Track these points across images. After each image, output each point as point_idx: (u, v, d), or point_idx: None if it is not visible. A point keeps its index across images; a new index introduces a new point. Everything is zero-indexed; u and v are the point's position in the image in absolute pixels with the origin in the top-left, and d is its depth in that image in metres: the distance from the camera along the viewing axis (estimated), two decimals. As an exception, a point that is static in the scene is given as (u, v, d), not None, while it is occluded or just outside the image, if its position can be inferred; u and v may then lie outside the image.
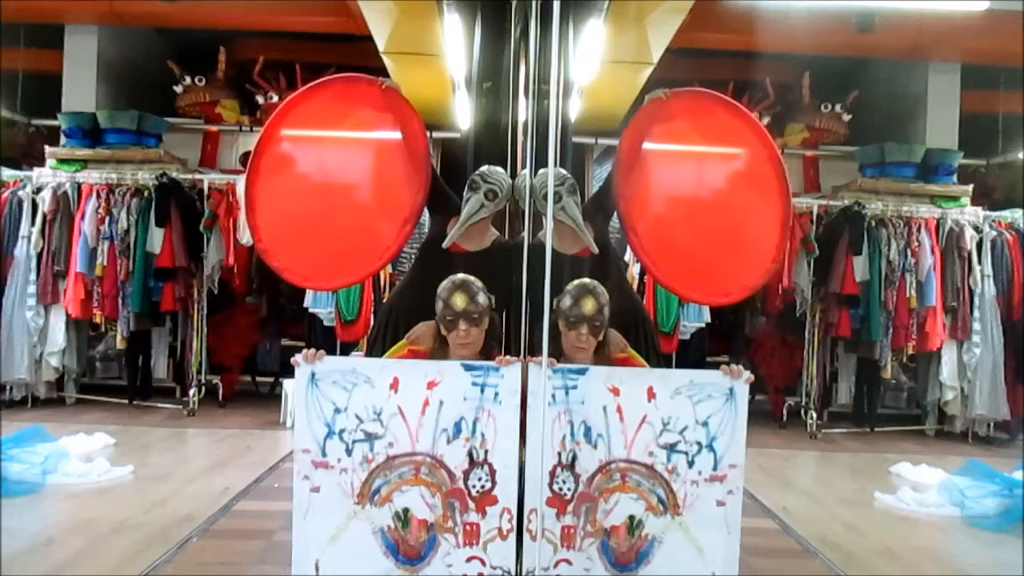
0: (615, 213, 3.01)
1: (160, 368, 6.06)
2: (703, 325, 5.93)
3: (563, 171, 2.87)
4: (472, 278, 2.53)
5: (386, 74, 5.49)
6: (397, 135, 2.99)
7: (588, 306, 2.49)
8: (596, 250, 2.84)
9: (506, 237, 3.19)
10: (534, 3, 2.75)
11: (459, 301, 2.46)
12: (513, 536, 2.27)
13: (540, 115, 2.77)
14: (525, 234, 2.79)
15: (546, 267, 2.31)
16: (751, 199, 3.04)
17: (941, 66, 6.77)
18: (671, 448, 2.30)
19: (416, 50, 5.20)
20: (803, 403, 5.86)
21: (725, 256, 3.02)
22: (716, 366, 6.86)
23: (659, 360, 3.01)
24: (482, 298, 2.50)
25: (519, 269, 2.64)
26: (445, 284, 2.53)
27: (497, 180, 2.91)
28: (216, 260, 5.60)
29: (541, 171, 2.80)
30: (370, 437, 2.26)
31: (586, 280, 2.57)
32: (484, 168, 2.95)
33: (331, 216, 3.00)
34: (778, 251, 3.00)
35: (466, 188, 2.91)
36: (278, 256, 2.96)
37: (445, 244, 2.88)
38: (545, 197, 2.76)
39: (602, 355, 2.57)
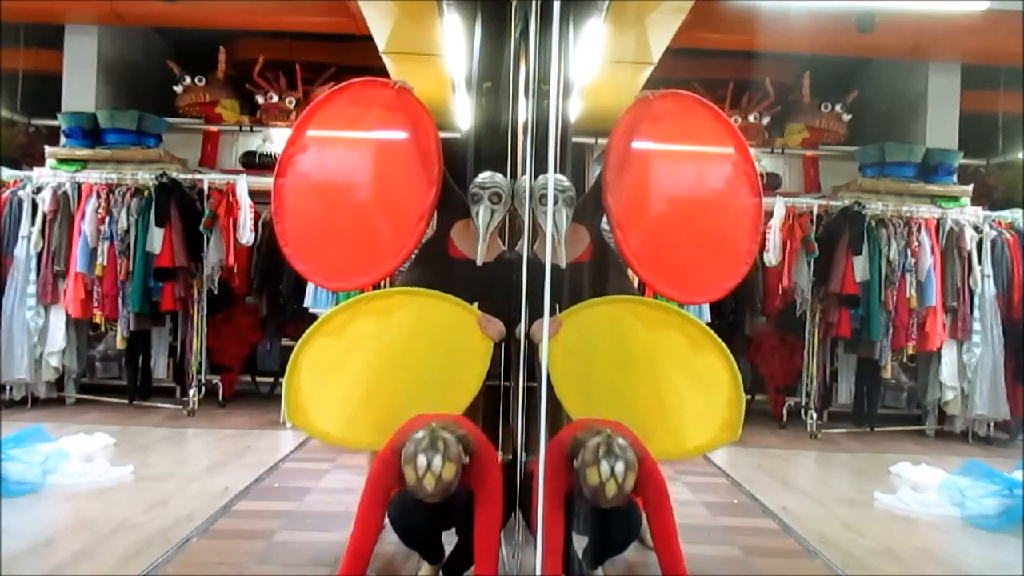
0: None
1: (160, 368, 6.05)
2: (703, 325, 5.92)
3: (563, 180, 2.88)
4: (448, 468, 2.29)
5: (386, 74, 5.49)
6: (409, 134, 3.03)
7: (610, 491, 2.31)
8: (563, 265, 2.83)
9: (506, 240, 3.19)
10: (534, 3, 2.75)
11: (428, 485, 2.27)
12: None
13: (540, 115, 2.77)
14: (524, 240, 2.80)
15: (546, 280, 2.31)
16: (727, 202, 3.13)
17: (941, 66, 6.77)
18: None
19: (416, 50, 5.20)
20: (803, 403, 5.86)
21: (702, 256, 3.09)
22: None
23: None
24: (450, 474, 2.28)
25: (519, 287, 2.66)
26: (414, 453, 2.27)
27: (495, 183, 2.92)
28: (216, 260, 5.59)
29: (541, 177, 2.81)
30: None
31: (609, 469, 2.31)
32: (478, 179, 2.96)
33: (351, 217, 3.07)
34: (749, 255, 3.08)
35: (470, 202, 2.94)
36: (304, 259, 3.03)
37: (479, 262, 2.88)
38: (541, 200, 2.78)
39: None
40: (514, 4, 3.19)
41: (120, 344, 5.63)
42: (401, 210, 3.02)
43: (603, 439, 2.34)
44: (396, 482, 2.40)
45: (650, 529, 2.56)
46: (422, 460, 2.26)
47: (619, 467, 2.30)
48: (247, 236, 5.61)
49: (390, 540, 2.70)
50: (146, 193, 5.59)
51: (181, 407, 5.62)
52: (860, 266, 5.59)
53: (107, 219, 5.52)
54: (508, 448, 2.96)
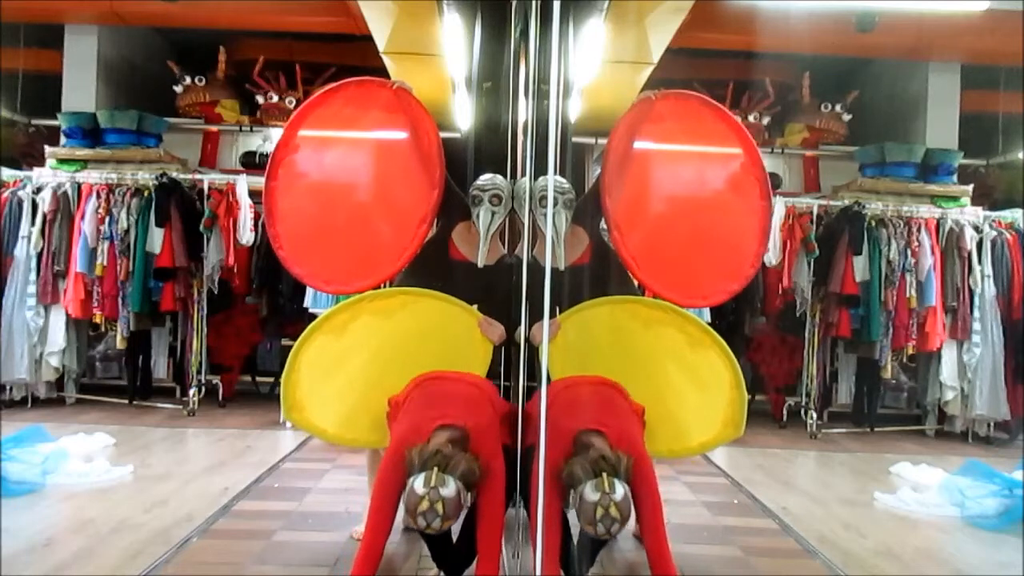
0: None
1: (160, 368, 6.05)
2: (703, 325, 5.92)
3: (563, 182, 2.88)
4: (447, 523, 2.28)
5: (386, 74, 5.49)
6: (409, 135, 3.01)
7: (603, 537, 2.32)
8: (562, 267, 2.84)
9: (506, 242, 3.19)
10: (534, 3, 2.75)
11: (430, 534, 2.31)
12: None
13: (540, 115, 2.77)
14: (524, 242, 2.80)
15: (546, 282, 2.31)
16: (733, 204, 3.08)
17: (941, 66, 6.77)
18: None
19: (416, 50, 5.20)
20: (803, 403, 5.86)
21: (705, 259, 3.06)
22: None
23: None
24: (449, 525, 2.28)
25: (519, 289, 2.66)
26: (414, 510, 2.24)
27: (496, 185, 2.93)
28: (216, 260, 5.58)
29: (540, 179, 2.81)
30: None
31: (605, 530, 2.28)
32: (478, 181, 2.96)
33: (349, 219, 3.04)
34: (756, 258, 3.04)
35: (471, 204, 2.94)
36: (300, 263, 3.00)
37: (480, 264, 2.89)
38: (541, 202, 2.78)
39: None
40: (514, 4, 3.19)
41: (120, 344, 5.63)
42: (402, 212, 3.00)
43: (601, 499, 2.23)
44: (406, 479, 2.37)
45: (639, 523, 2.55)
46: (422, 522, 2.25)
47: (615, 528, 2.28)
48: (247, 236, 5.62)
49: (389, 540, 2.70)
50: (146, 193, 5.58)
51: (181, 407, 5.62)
52: (860, 266, 5.59)
53: (107, 219, 5.52)
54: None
